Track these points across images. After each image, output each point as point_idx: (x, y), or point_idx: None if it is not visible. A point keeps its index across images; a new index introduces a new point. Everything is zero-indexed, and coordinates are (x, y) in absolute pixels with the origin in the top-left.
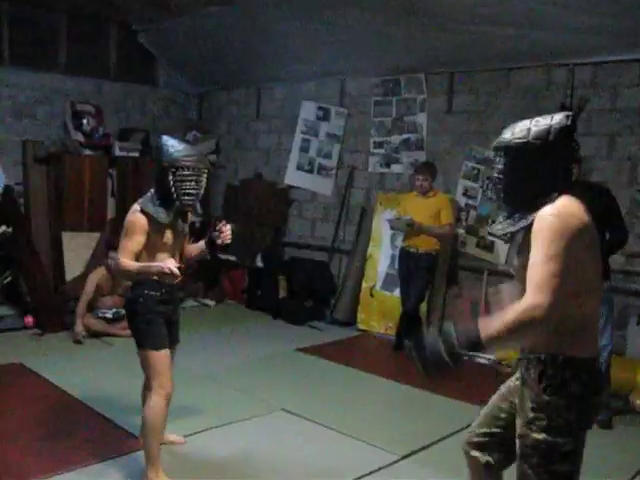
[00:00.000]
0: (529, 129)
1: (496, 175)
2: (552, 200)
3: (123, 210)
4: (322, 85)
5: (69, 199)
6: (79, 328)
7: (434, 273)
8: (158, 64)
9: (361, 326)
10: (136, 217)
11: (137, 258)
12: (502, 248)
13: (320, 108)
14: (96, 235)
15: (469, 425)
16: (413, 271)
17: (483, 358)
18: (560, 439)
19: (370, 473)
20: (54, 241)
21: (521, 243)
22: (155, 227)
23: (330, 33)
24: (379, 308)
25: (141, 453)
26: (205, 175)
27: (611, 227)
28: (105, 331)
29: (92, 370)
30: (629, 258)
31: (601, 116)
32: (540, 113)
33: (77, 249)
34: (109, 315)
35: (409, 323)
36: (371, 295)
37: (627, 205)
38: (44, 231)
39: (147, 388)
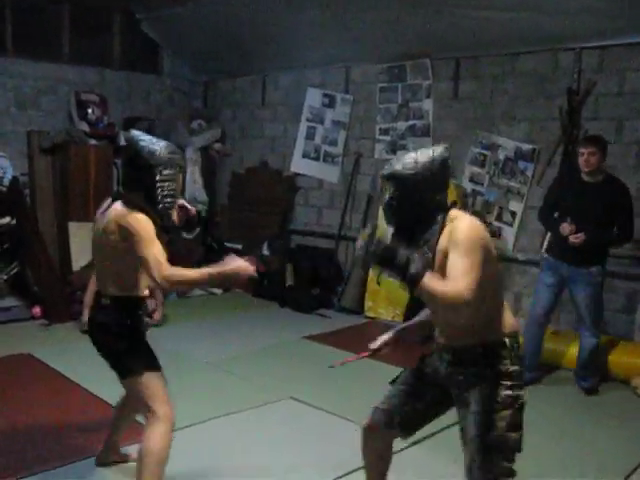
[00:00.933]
0: (416, 161)
1: (388, 201)
2: (441, 219)
3: None
4: (327, 72)
5: (75, 189)
6: (86, 318)
7: None
8: (162, 52)
9: (369, 314)
10: (145, 220)
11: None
12: (509, 234)
13: (325, 95)
14: None
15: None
16: None
17: None
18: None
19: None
20: (60, 231)
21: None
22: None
23: (335, 20)
24: (386, 295)
25: None
26: (181, 175)
27: (619, 223)
28: None
29: (100, 359)
30: (637, 244)
31: (608, 100)
32: (547, 98)
33: (83, 239)
34: None
35: (413, 307)
36: (378, 283)
37: (634, 190)
38: (50, 221)
39: (129, 409)
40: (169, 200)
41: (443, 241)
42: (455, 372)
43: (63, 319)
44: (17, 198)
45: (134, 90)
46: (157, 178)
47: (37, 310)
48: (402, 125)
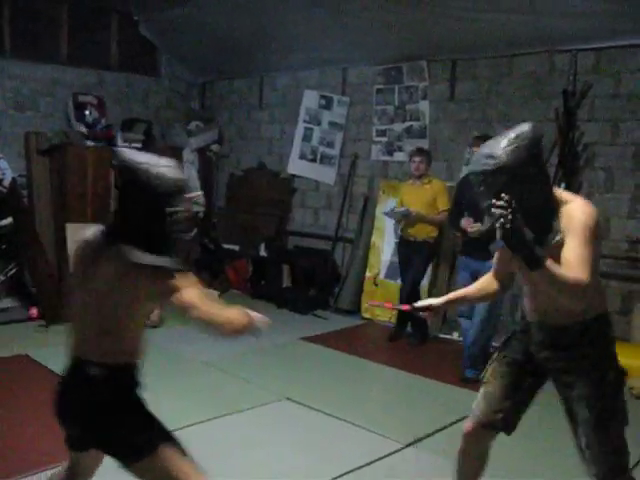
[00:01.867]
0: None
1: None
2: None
3: None
4: (324, 74)
5: (72, 191)
6: None
7: (432, 260)
8: (160, 54)
9: (365, 315)
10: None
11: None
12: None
13: (322, 97)
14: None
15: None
16: (412, 259)
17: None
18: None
19: (375, 461)
20: (58, 232)
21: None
22: None
23: (332, 21)
24: (383, 296)
25: None
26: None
27: None
28: None
29: None
30: (633, 244)
31: (604, 102)
32: (543, 99)
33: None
34: None
35: (408, 299)
36: (375, 284)
37: (631, 191)
38: (48, 223)
39: None
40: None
41: (561, 225)
42: (554, 356)
43: (60, 320)
44: (15, 199)
45: (132, 92)
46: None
47: (34, 311)
48: (399, 127)
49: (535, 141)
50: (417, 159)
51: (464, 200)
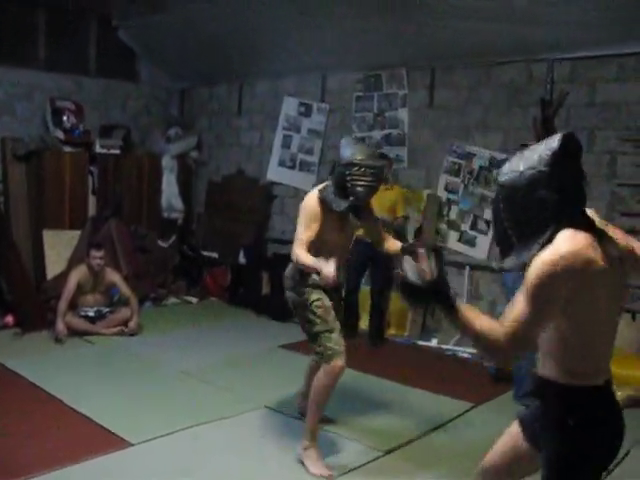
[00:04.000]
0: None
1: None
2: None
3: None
4: (303, 81)
5: (50, 197)
6: (60, 327)
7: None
8: (139, 60)
9: None
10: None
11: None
12: (484, 243)
13: (301, 104)
14: (77, 233)
15: (452, 419)
16: (375, 259)
17: (466, 352)
18: None
19: (354, 469)
20: (35, 239)
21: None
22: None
23: (311, 28)
24: (362, 304)
25: (121, 453)
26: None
27: None
28: (87, 330)
29: (74, 369)
30: None
31: (580, 110)
32: (521, 107)
33: (58, 247)
34: (91, 314)
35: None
36: None
37: (607, 198)
38: (25, 229)
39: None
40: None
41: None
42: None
43: (37, 328)
44: None
45: (110, 97)
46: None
47: (10, 319)
48: (378, 134)
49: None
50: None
51: None
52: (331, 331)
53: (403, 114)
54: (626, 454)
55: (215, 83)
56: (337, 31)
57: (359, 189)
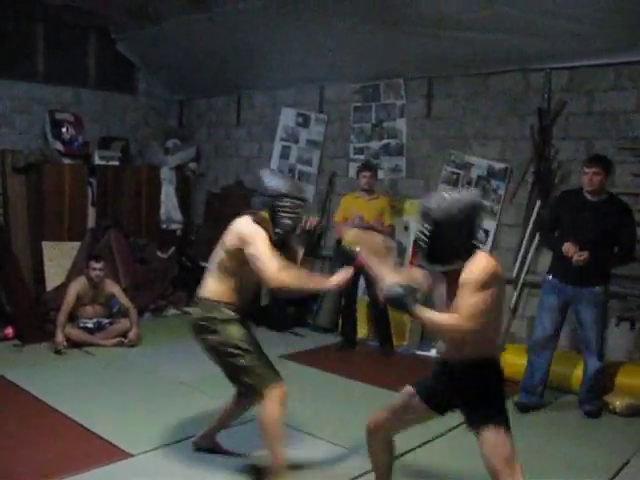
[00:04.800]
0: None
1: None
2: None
3: (104, 219)
4: (301, 92)
5: (49, 208)
6: (60, 338)
7: None
8: (137, 72)
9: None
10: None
11: None
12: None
13: (300, 115)
14: (77, 244)
15: (452, 428)
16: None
17: None
18: None
19: (354, 479)
20: (34, 251)
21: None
22: None
23: (309, 40)
24: (360, 314)
25: (121, 464)
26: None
27: (621, 243)
28: (86, 341)
29: (73, 381)
30: None
31: (578, 120)
32: (518, 117)
33: (58, 259)
34: (90, 325)
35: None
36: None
37: None
38: (24, 241)
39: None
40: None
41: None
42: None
43: (36, 340)
44: None
45: (109, 109)
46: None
47: (9, 331)
48: (376, 144)
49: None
50: (367, 174)
51: (564, 218)
52: (260, 359)
53: (401, 124)
54: (626, 463)
55: (213, 94)
56: (335, 42)
57: (287, 221)
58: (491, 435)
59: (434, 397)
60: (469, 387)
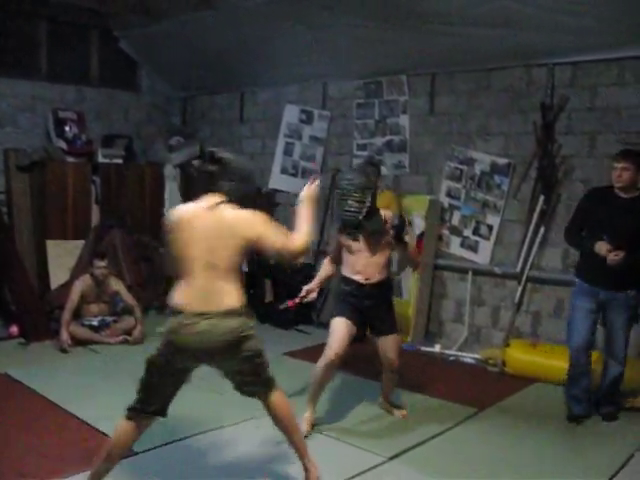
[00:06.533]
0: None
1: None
2: None
3: (108, 217)
4: (305, 88)
5: (53, 207)
6: (64, 336)
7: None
8: (140, 70)
9: None
10: None
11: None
12: (486, 248)
13: (303, 111)
14: (81, 243)
15: (455, 425)
16: None
17: (469, 357)
18: None
19: (358, 475)
20: (38, 249)
21: None
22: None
23: (312, 37)
24: None
25: (124, 462)
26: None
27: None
28: (91, 339)
29: (78, 379)
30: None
31: (581, 115)
32: (521, 112)
33: (62, 257)
34: (95, 323)
35: None
36: None
37: None
38: (28, 239)
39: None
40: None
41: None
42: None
43: (41, 338)
44: None
45: (112, 107)
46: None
47: (14, 329)
48: (379, 141)
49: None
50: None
51: (594, 217)
52: None
53: (404, 120)
54: (630, 457)
55: (217, 91)
56: (337, 39)
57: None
58: (395, 338)
59: (358, 317)
60: (382, 302)
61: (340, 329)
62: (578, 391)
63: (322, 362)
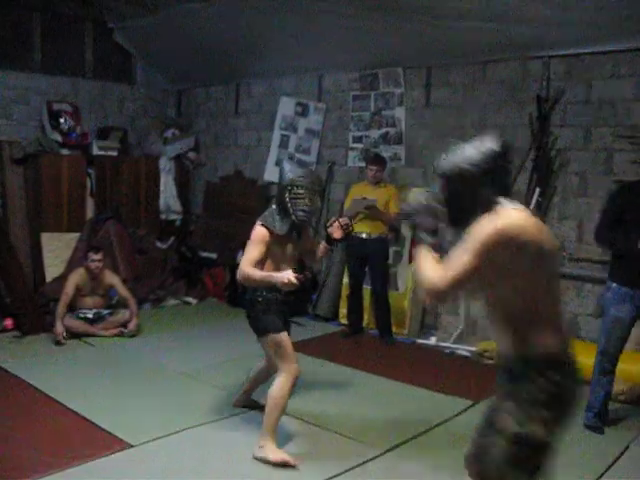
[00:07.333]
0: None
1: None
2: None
3: (102, 210)
4: (300, 81)
5: (47, 199)
6: (59, 329)
7: (388, 255)
8: (135, 62)
9: (343, 321)
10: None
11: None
12: None
13: (298, 104)
14: (75, 235)
15: (451, 417)
16: (372, 257)
17: (465, 350)
18: None
19: (354, 467)
20: (33, 242)
21: None
22: (275, 239)
23: (308, 28)
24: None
25: (121, 454)
26: (318, 194)
27: None
28: (86, 332)
29: (73, 371)
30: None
31: (576, 108)
32: (517, 105)
33: (56, 250)
34: (90, 315)
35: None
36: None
37: (603, 195)
38: (23, 232)
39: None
40: (300, 214)
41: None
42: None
43: (36, 331)
44: None
45: (107, 99)
46: (287, 195)
47: (9, 322)
48: (375, 133)
49: (486, 157)
50: (374, 168)
51: (630, 213)
52: None
53: (400, 113)
54: (626, 448)
55: (212, 84)
56: (333, 31)
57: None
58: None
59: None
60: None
61: (289, 343)
62: (598, 404)
63: (289, 382)
